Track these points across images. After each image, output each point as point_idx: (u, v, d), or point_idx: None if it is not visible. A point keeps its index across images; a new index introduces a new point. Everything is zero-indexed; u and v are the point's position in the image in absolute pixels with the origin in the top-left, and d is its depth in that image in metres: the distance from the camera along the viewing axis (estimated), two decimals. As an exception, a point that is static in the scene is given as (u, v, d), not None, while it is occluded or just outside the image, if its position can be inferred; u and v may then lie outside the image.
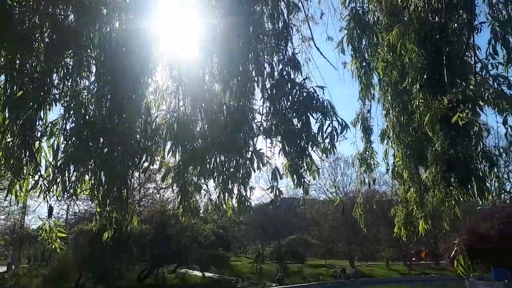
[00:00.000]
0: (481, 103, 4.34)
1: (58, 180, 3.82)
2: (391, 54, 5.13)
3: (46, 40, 3.27)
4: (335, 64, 5.74)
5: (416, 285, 43.45)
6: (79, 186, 3.98)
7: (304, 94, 4.28)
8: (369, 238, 48.80)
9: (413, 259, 52.99)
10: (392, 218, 7.44)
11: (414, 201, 6.45)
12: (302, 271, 40.48)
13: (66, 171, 3.80)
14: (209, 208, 5.10)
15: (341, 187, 51.09)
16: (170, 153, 4.56)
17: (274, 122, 4.59)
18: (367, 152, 7.82)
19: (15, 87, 3.16)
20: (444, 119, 3.78)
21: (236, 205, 5.08)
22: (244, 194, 4.99)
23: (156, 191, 35.83)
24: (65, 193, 3.92)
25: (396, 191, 7.68)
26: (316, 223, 52.58)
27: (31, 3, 3.32)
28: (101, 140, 3.88)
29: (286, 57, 4.35)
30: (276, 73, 4.49)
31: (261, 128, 4.80)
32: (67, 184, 3.80)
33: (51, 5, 3.12)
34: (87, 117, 3.76)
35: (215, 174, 4.81)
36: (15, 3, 3.18)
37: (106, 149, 3.88)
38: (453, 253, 4.84)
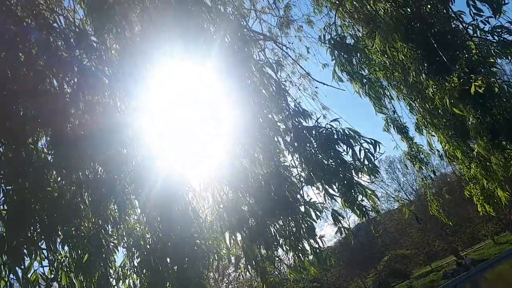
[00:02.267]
0: (492, 60, 4.29)
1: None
2: (385, 57, 5.22)
3: (88, 199, 3.58)
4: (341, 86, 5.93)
5: (535, 247, 39.63)
6: (166, 310, 4.11)
7: (323, 133, 4.39)
8: (462, 223, 45.72)
9: (517, 223, 48.81)
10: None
11: (481, 174, 6.19)
12: (413, 286, 37.98)
13: (151, 302, 3.95)
14: (290, 275, 5.08)
15: (409, 187, 49.10)
16: (231, 241, 4.66)
17: (310, 169, 4.67)
18: (413, 149, 7.69)
19: (79, 251, 3.44)
20: (463, 94, 3.75)
21: (315, 259, 5.05)
22: (316, 246, 4.96)
23: (238, 274, 35.45)
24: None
25: (459, 173, 7.41)
26: (403, 233, 49.99)
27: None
28: (168, 260, 4.04)
29: (290, 110, 4.52)
30: (290, 127, 4.65)
31: (301, 179, 4.88)
32: (156, 313, 3.93)
33: (81, 168, 3.45)
34: (148, 246, 3.97)
35: (280, 240, 4.84)
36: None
37: (176, 266, 4.03)
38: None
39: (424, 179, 8.39)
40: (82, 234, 3.47)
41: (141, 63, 4.46)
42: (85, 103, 3.34)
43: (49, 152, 3.35)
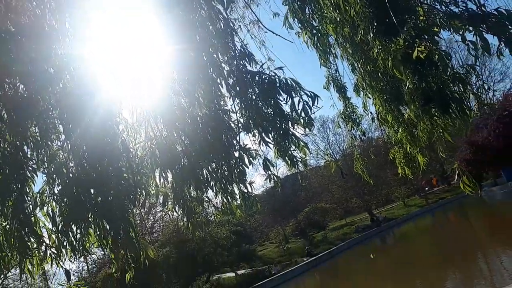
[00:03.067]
0: (436, 29, 4.41)
1: (65, 243, 3.83)
2: (337, 12, 5.17)
3: (5, 117, 3.24)
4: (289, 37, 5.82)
5: (437, 211, 44.41)
6: (86, 241, 4.00)
7: (265, 80, 4.32)
8: (379, 184, 49.51)
9: (426, 189, 53.99)
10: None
11: (406, 139, 6.57)
12: (328, 237, 41.11)
13: (70, 232, 3.80)
14: (217, 216, 5.16)
15: (336, 146, 51.60)
16: (161, 179, 4.57)
17: (249, 115, 4.63)
18: (348, 109, 7.92)
19: (-9, 172, 3.15)
20: (406, 57, 3.84)
21: (242, 203, 5.15)
22: (245, 191, 5.04)
23: (164, 213, 35.77)
24: (76, 253, 3.93)
25: (387, 136, 7.82)
26: (325, 188, 53.15)
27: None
28: (92, 191, 3.87)
29: (236, 52, 4.36)
30: (234, 69, 4.51)
31: (239, 125, 4.84)
32: (74, 243, 3.81)
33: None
34: (70, 174, 3.75)
35: (212, 183, 4.85)
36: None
37: (100, 198, 3.88)
38: (456, 176, 4.96)
39: (353, 138, 8.73)
40: (-4, 154, 3.17)
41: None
42: (8, 7, 2.93)
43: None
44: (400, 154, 7.27)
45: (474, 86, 4.43)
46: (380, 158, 32.02)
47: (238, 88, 4.64)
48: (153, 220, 34.83)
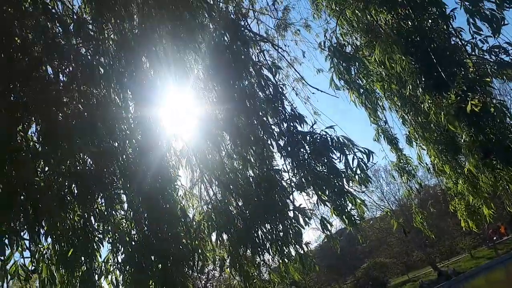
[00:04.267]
0: (488, 80, 4.34)
1: (128, 311, 3.90)
2: (383, 67, 5.24)
3: (75, 191, 3.49)
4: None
5: (509, 263, 40.47)
6: (147, 309, 4.05)
7: (317, 140, 4.38)
8: (441, 235, 46.37)
9: (494, 238, 49.74)
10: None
11: (468, 191, 6.25)
12: (389, 295, 38.41)
13: (132, 300, 3.88)
14: (275, 279, 5.06)
15: (391, 196, 49.62)
16: (218, 243, 4.62)
17: (302, 174, 4.66)
18: (402, 161, 7.73)
19: (62, 244, 3.35)
20: (459, 111, 3.78)
21: (299, 265, 5.03)
22: (302, 252, 4.94)
23: (216, 272, 35.31)
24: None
25: (446, 187, 7.49)
26: (383, 242, 50.48)
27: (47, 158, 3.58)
28: (153, 258, 3.97)
29: (286, 114, 4.50)
30: (284, 131, 4.62)
31: (292, 184, 4.86)
32: (136, 311, 3.86)
33: (70, 159, 3.37)
34: (133, 242, 3.90)
35: (267, 244, 4.81)
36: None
37: (160, 264, 3.96)
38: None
39: (410, 190, 8.42)
40: (67, 227, 3.38)
41: (138, 56, 4.39)
42: (79, 93, 3.26)
43: (39, 141, 3.26)
44: (462, 206, 6.92)
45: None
46: (440, 208, 30.32)
47: (289, 148, 4.72)
48: (205, 279, 34.47)
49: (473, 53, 4.49)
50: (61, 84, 3.14)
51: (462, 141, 4.28)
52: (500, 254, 44.95)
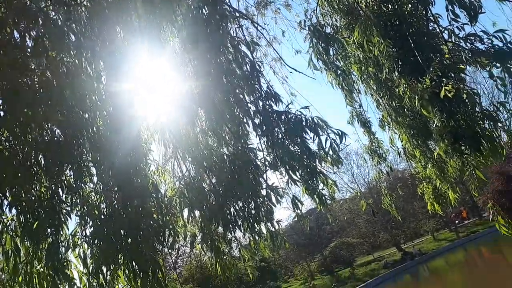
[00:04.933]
0: (462, 67, 4.41)
1: (95, 284, 3.86)
2: (361, 50, 5.24)
3: (42, 162, 3.37)
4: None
5: (469, 246, 42.48)
6: (116, 282, 4.02)
7: (292, 119, 4.37)
8: (406, 217, 48.03)
9: (456, 222, 51.93)
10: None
11: (435, 175, 6.44)
12: (355, 274, 39.76)
13: (100, 274, 3.83)
14: (245, 255, 5.10)
15: (361, 179, 50.80)
16: (190, 219, 4.60)
17: (276, 154, 4.66)
18: (374, 144, 7.86)
19: (28, 215, 3.25)
20: (433, 96, 3.83)
21: (270, 242, 5.09)
22: (273, 230, 4.99)
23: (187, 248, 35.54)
24: (105, 294, 3.94)
25: (415, 171, 7.68)
26: (351, 222, 51.86)
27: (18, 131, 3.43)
28: (122, 232, 3.92)
29: (262, 92, 4.45)
30: (260, 109, 4.59)
31: (266, 163, 4.87)
32: (104, 286, 3.83)
33: (37, 128, 3.23)
34: (102, 216, 3.82)
35: (239, 222, 4.84)
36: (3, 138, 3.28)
37: (130, 239, 3.92)
38: (490, 214, 4.80)
39: (380, 173, 8.59)
40: (33, 198, 3.27)
41: (112, 25, 4.22)
42: (47, 60, 3.10)
43: (2, 108, 3.11)
44: (429, 189, 7.11)
45: (505, 122, 4.34)
46: (407, 191, 31.26)
47: (264, 127, 4.70)
48: (176, 255, 34.65)
49: (449, 39, 4.55)
50: (28, 48, 2.97)
51: (434, 126, 4.37)
52: (461, 237, 47.10)
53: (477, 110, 4.17)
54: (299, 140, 4.48)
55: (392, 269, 39.53)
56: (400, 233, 50.89)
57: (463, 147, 4.22)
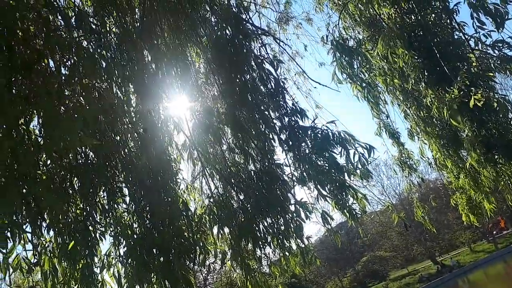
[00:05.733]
0: (491, 74, 4.32)
1: (129, 304, 3.93)
2: (385, 62, 5.22)
3: (77, 184, 3.50)
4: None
5: (508, 257, 40.58)
6: (149, 301, 4.07)
7: (318, 134, 4.38)
8: (441, 229, 46.52)
9: (494, 232, 49.82)
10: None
11: (469, 185, 6.25)
12: (389, 288, 38.64)
13: (134, 293, 3.90)
14: (275, 272, 5.08)
15: (391, 190, 49.69)
16: (219, 236, 4.63)
17: (303, 169, 4.66)
18: (403, 155, 7.73)
19: (64, 236, 3.36)
20: (462, 106, 3.77)
21: (300, 259, 5.05)
22: (303, 245, 4.96)
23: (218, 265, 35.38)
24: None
25: (447, 181, 7.49)
26: (383, 235, 50.63)
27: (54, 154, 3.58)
28: (155, 251, 3.99)
29: (288, 108, 4.49)
30: (286, 125, 4.62)
31: (294, 178, 4.87)
32: (138, 304, 3.89)
33: (72, 153, 3.37)
34: (135, 236, 3.91)
35: (268, 238, 4.83)
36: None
37: (162, 257, 3.98)
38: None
39: (411, 184, 8.42)
40: (69, 220, 3.39)
41: (140, 49, 4.37)
42: (81, 86, 3.24)
43: (40, 134, 3.25)
44: (463, 200, 6.91)
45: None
46: (440, 202, 30.34)
47: (291, 143, 4.72)
48: (207, 272, 34.65)
49: (476, 47, 4.47)
50: (63, 76, 3.12)
51: (465, 135, 4.27)
52: (500, 248, 45.10)
53: (509, 117, 4.07)
54: (326, 154, 4.48)
55: (428, 283, 38.15)
56: (435, 245, 49.25)
57: (496, 156, 4.10)
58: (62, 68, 3.16)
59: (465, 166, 5.54)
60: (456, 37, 4.44)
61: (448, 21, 4.46)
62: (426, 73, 4.31)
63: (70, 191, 3.40)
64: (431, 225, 8.46)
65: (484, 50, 4.44)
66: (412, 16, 4.47)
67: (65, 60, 3.14)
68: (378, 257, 45.42)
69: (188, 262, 4.16)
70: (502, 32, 4.37)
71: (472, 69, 4.22)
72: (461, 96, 3.69)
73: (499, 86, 4.57)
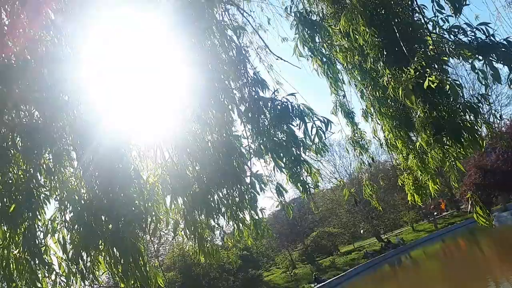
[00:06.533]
0: (445, 58, 4.45)
1: (75, 270, 3.81)
2: (346, 39, 5.23)
3: (20, 144, 3.28)
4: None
5: (446, 237, 43.59)
6: (96, 269, 3.97)
7: (278, 106, 4.35)
8: (387, 208, 48.92)
9: (435, 213, 53.14)
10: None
11: (416, 166, 6.51)
12: (335, 263, 40.40)
13: (80, 260, 3.77)
14: (229, 243, 5.11)
15: (342, 170, 51.33)
16: (173, 205, 4.56)
17: (261, 141, 4.65)
18: (356, 135, 7.90)
19: (4, 199, 3.16)
20: (417, 87, 3.86)
21: (253, 230, 5.10)
22: (257, 218, 5.00)
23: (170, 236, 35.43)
24: (85, 280, 3.90)
25: (396, 162, 7.77)
26: (332, 212, 52.56)
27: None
28: (103, 218, 3.86)
29: (249, 78, 4.41)
30: (246, 96, 4.56)
31: (251, 150, 4.85)
32: (84, 272, 3.78)
33: (13, 111, 3.13)
34: (82, 201, 3.76)
35: (223, 209, 4.82)
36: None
37: (111, 225, 3.86)
38: (469, 205, 4.89)
39: (362, 164, 8.65)
40: (10, 181, 3.18)
41: (93, 5, 4.10)
42: (25, 37, 3.00)
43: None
44: (410, 180, 7.20)
45: (486, 115, 4.42)
46: (388, 183, 31.76)
47: (250, 114, 4.67)
48: (158, 243, 34.53)
49: (434, 31, 4.58)
50: (5, 26, 2.87)
51: (417, 117, 4.41)
52: (439, 228, 48.30)
53: (459, 102, 4.23)
54: (285, 127, 4.47)
55: (371, 259, 40.30)
56: (380, 223, 51.83)
57: (444, 138, 4.27)
58: (4, 16, 2.90)
59: (415, 147, 5.75)
60: (416, 18, 4.51)
61: (409, 2, 4.52)
62: (385, 53, 4.37)
63: (12, 151, 3.18)
64: (378, 204, 8.80)
65: (441, 34, 4.55)
66: (376, -6, 4.48)
67: (7, 7, 2.88)
68: (327, 232, 47.21)
69: (138, 231, 4.07)
70: (459, 17, 4.49)
71: (428, 52, 4.32)
72: (416, 77, 3.78)
73: (451, 71, 4.71)
